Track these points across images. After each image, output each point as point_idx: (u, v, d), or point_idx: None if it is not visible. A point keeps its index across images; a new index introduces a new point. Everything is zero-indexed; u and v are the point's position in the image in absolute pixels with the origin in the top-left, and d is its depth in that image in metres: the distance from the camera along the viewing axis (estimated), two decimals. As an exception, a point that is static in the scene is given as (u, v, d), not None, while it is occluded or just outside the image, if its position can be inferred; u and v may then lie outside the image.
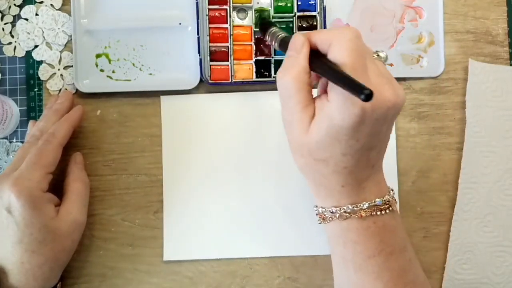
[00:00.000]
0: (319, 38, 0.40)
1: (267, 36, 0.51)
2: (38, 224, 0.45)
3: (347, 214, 0.41)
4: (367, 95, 0.32)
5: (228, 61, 0.54)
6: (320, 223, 0.43)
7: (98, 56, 0.55)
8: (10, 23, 0.55)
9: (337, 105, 0.37)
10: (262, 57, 0.54)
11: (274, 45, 0.49)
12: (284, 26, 0.54)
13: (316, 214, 0.43)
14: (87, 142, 0.55)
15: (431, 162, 0.54)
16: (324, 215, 0.42)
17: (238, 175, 0.54)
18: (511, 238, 0.53)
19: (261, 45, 0.54)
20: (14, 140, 0.55)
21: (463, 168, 0.53)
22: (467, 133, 0.53)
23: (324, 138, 0.38)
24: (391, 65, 0.54)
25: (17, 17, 0.55)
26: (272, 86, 0.55)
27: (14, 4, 0.55)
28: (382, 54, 0.42)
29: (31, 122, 0.53)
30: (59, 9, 0.55)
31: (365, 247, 0.41)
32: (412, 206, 0.54)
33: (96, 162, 0.54)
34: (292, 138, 0.41)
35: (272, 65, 0.54)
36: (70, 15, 0.54)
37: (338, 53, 0.38)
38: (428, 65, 0.54)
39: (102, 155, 0.54)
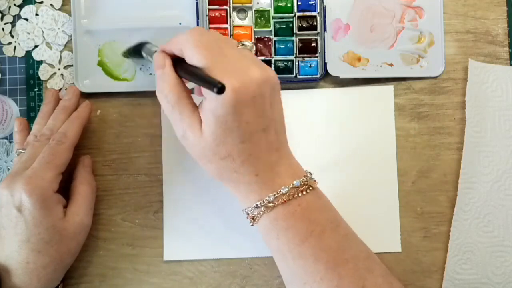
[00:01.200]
0: (172, 48, 0.43)
1: (144, 55, 0.50)
2: (46, 224, 0.45)
3: (271, 204, 0.42)
4: (219, 88, 0.36)
5: (228, 61, 0.54)
6: (252, 225, 0.44)
7: (99, 56, 0.55)
8: (10, 23, 0.55)
9: (211, 97, 0.39)
10: (262, 57, 0.54)
11: (151, 60, 0.48)
12: (284, 26, 0.54)
13: (246, 218, 0.44)
14: (87, 142, 0.55)
15: (431, 162, 0.54)
16: (253, 214, 0.43)
17: None
18: (511, 238, 0.53)
19: (261, 45, 0.54)
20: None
21: (463, 168, 0.53)
22: (467, 133, 0.53)
23: (217, 131, 0.40)
24: (391, 65, 0.54)
25: (17, 17, 0.55)
26: (272, 86, 0.55)
27: (14, 4, 0.55)
28: (247, 43, 0.44)
29: (17, 120, 0.53)
30: (59, 9, 0.55)
31: (296, 231, 0.42)
32: (412, 206, 0.54)
33: (96, 162, 0.54)
34: (192, 147, 0.42)
35: (272, 65, 0.54)
36: (70, 15, 0.54)
37: (190, 57, 0.41)
38: (428, 65, 0.54)
39: (102, 155, 0.54)
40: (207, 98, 0.40)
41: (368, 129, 0.54)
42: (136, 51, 0.52)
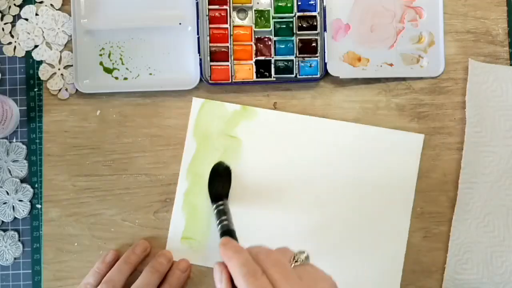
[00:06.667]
0: (229, 268, 0.39)
1: (213, 209, 0.50)
2: None
3: None
4: None
5: (228, 61, 0.54)
6: None
7: (99, 55, 0.55)
8: (10, 23, 0.55)
9: None
10: (262, 57, 0.54)
11: (217, 227, 0.48)
12: (284, 26, 0.54)
13: None
14: (87, 142, 0.55)
15: (431, 162, 0.54)
16: None
17: (260, 191, 0.54)
18: (511, 238, 0.53)
19: (261, 45, 0.54)
20: (14, 140, 0.55)
21: (463, 168, 0.53)
22: (467, 133, 0.53)
23: None
24: (391, 65, 0.54)
25: (17, 17, 0.55)
26: (272, 86, 0.55)
27: (14, 4, 0.55)
28: (302, 256, 0.39)
29: (112, 252, 0.52)
30: (59, 9, 0.55)
31: None
32: (412, 206, 0.54)
33: (96, 162, 0.54)
34: None
35: (272, 65, 0.54)
36: (70, 15, 0.54)
37: None
38: (428, 65, 0.54)
39: (102, 155, 0.54)
40: None
41: (388, 174, 0.53)
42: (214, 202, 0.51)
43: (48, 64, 0.55)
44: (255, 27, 0.54)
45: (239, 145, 0.54)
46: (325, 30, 0.53)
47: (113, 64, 0.55)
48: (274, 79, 0.54)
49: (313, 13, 0.54)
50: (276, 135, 0.54)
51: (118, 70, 0.55)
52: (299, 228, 0.53)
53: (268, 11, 0.54)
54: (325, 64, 0.54)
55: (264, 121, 0.54)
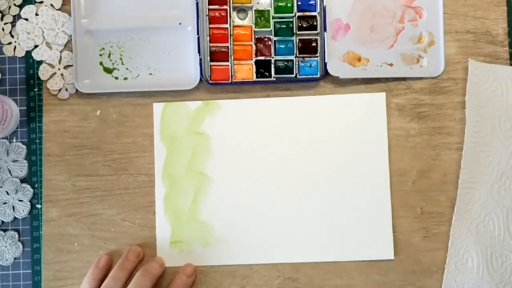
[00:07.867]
0: None
1: None
2: None
3: None
4: None
5: (228, 61, 0.54)
6: None
7: (99, 55, 0.55)
8: (10, 23, 0.55)
9: None
10: (262, 57, 0.54)
11: None
12: (284, 26, 0.54)
13: None
14: (87, 142, 0.55)
15: (431, 162, 0.54)
16: None
17: (238, 181, 0.54)
18: (511, 238, 0.53)
19: (261, 45, 0.54)
20: (14, 140, 0.55)
21: (463, 168, 0.53)
22: (467, 133, 0.54)
23: None
24: (391, 65, 0.54)
25: (17, 17, 0.55)
26: (272, 86, 0.55)
27: (14, 4, 0.55)
28: None
29: (104, 257, 0.52)
30: (59, 9, 0.55)
31: None
32: (412, 206, 0.54)
33: (96, 162, 0.54)
34: None
35: (272, 65, 0.54)
36: (70, 15, 0.54)
37: None
38: (428, 65, 0.54)
39: (102, 155, 0.55)
40: None
41: (360, 138, 0.54)
42: None
43: (48, 64, 0.55)
44: (255, 27, 0.54)
45: (208, 140, 0.54)
46: (325, 30, 0.53)
47: (113, 64, 0.55)
48: (274, 79, 0.54)
49: (313, 13, 0.54)
50: (242, 123, 0.54)
51: (118, 70, 0.55)
52: (279, 212, 0.53)
53: (268, 11, 0.54)
54: (325, 64, 0.54)
55: (228, 112, 0.54)
